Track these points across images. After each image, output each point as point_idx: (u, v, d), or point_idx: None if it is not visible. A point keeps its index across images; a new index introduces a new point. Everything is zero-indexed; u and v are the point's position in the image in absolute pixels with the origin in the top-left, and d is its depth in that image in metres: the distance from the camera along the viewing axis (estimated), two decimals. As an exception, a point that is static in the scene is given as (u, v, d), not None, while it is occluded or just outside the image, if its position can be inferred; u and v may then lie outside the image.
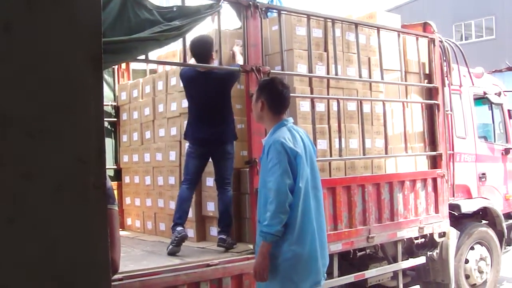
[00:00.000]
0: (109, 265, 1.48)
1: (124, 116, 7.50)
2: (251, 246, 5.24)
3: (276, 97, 4.07)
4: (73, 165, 1.40)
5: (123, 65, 7.83)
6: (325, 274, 4.08)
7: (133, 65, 8.00)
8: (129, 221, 7.25)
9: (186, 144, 5.84)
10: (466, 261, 7.45)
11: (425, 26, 7.42)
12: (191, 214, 5.80)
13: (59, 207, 1.39)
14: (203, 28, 5.85)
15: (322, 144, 5.92)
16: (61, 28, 1.39)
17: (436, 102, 7.12)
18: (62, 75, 1.39)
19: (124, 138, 7.45)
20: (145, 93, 7.11)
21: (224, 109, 5.66)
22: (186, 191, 5.56)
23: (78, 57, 1.40)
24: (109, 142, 7.47)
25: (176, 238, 5.27)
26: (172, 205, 6.23)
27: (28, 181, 1.35)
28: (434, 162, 7.13)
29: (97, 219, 1.42)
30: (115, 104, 7.67)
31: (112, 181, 6.62)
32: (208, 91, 5.56)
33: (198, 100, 5.62)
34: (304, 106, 5.86)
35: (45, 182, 1.37)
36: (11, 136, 1.33)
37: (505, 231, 8.19)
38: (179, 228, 5.33)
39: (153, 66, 7.74)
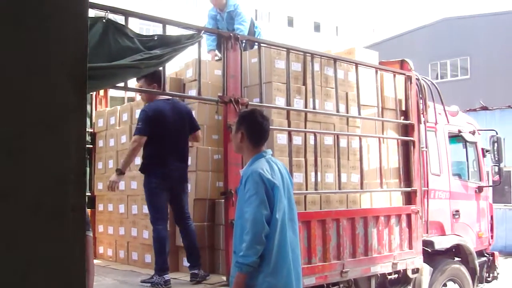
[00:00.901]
0: (85, 288, 1.45)
1: (100, 143, 7.46)
2: (224, 278, 5.20)
3: (256, 128, 4.08)
4: (52, 186, 1.38)
5: (101, 92, 7.81)
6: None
7: (111, 92, 7.99)
8: (101, 250, 7.15)
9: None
10: (439, 298, 7.47)
11: (402, 64, 7.52)
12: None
13: (36, 229, 1.36)
14: (183, 58, 5.87)
15: (298, 177, 5.93)
16: (47, 48, 1.38)
17: (411, 138, 7.19)
18: (45, 95, 1.38)
19: (99, 165, 7.40)
20: (123, 121, 7.08)
21: (186, 145, 5.70)
22: (164, 231, 5.45)
23: (62, 78, 1.40)
24: (84, 169, 7.39)
25: (161, 286, 5.19)
26: (146, 234, 6.18)
27: (5, 201, 1.32)
28: (409, 198, 7.17)
29: (74, 243, 1.39)
30: (92, 130, 7.62)
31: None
32: (178, 124, 5.57)
33: (169, 132, 5.55)
34: (281, 139, 5.88)
35: (23, 203, 1.35)
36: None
37: (478, 268, 8.24)
38: (167, 277, 5.26)
39: (131, 94, 7.73)
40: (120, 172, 5.40)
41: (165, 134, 5.54)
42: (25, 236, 1.35)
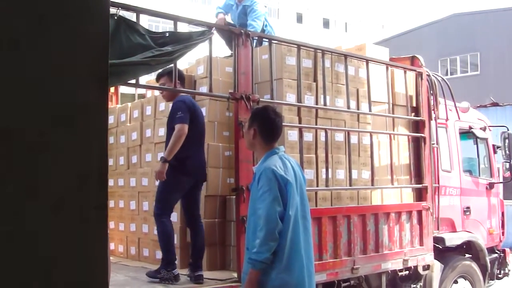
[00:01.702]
0: (107, 287, 1.45)
1: (111, 140, 7.47)
2: (235, 275, 5.20)
3: (268, 125, 4.08)
4: (74, 183, 1.39)
5: (112, 89, 7.82)
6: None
7: (122, 89, 8.01)
8: (112, 246, 7.17)
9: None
10: (450, 295, 7.45)
11: (413, 60, 7.51)
12: (175, 240, 5.78)
13: (59, 225, 1.37)
14: (195, 54, 5.87)
15: (309, 174, 5.92)
16: (69, 46, 1.39)
17: (422, 135, 7.17)
18: (68, 92, 1.39)
19: (110, 162, 7.41)
20: (133, 118, 7.10)
21: None
22: (170, 225, 5.45)
23: (85, 75, 1.40)
24: (94, 166, 7.41)
25: (171, 281, 5.19)
26: (157, 230, 6.19)
27: (28, 197, 1.33)
28: (420, 194, 7.16)
29: (97, 240, 1.40)
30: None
31: (96, 205, 6.56)
32: (203, 119, 5.60)
33: (201, 129, 5.59)
34: (292, 135, 5.88)
35: (46, 200, 1.36)
36: (13, 151, 1.32)
37: (489, 265, 8.21)
38: (176, 272, 5.25)
39: (141, 90, 7.75)
40: (165, 160, 5.32)
41: (197, 128, 5.53)
42: (49, 234, 1.36)
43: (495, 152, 9.11)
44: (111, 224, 7.19)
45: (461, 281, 7.65)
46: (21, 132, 1.34)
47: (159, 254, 6.16)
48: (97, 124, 1.41)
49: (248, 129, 4.13)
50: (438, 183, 7.53)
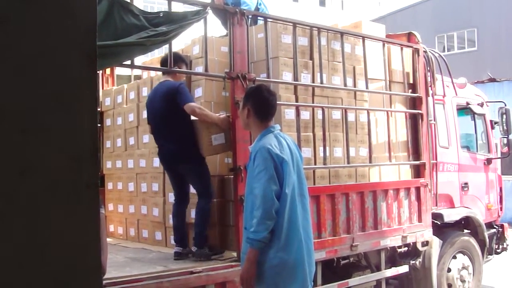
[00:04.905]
0: (100, 267, 1.45)
1: (108, 122, 7.45)
2: (234, 254, 5.22)
3: (262, 104, 4.07)
4: (67, 163, 1.38)
5: (108, 71, 7.78)
6: (312, 282, 4.07)
7: (118, 71, 7.95)
8: (111, 228, 7.19)
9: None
10: (449, 270, 7.49)
11: (410, 36, 7.47)
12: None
13: (51, 205, 1.37)
14: (190, 34, 5.83)
15: (307, 152, 5.92)
16: (57, 23, 1.38)
17: (420, 111, 7.16)
18: (57, 71, 1.37)
19: (108, 144, 7.40)
20: (130, 99, 7.06)
21: (177, 125, 5.51)
22: (174, 206, 5.63)
23: (73, 53, 1.39)
24: (92, 148, 7.40)
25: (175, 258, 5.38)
26: (156, 211, 6.22)
27: (20, 178, 1.33)
28: (418, 171, 7.16)
29: (89, 219, 1.40)
30: (99, 109, 7.59)
31: (95, 187, 6.56)
32: (156, 106, 5.57)
33: (151, 115, 5.76)
34: (289, 114, 5.87)
35: (38, 180, 1.35)
36: (4, 131, 1.31)
37: (487, 240, 8.26)
38: (176, 250, 5.43)
39: (137, 72, 7.70)
40: None
41: (149, 117, 5.79)
42: (42, 213, 1.35)
43: (492, 127, 9.12)
44: (110, 206, 7.20)
45: (460, 256, 7.69)
46: (11, 111, 1.32)
47: (158, 235, 6.20)
48: (88, 102, 1.40)
49: (242, 109, 4.12)
50: (436, 160, 7.54)
